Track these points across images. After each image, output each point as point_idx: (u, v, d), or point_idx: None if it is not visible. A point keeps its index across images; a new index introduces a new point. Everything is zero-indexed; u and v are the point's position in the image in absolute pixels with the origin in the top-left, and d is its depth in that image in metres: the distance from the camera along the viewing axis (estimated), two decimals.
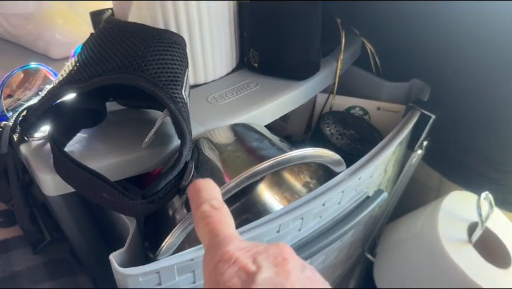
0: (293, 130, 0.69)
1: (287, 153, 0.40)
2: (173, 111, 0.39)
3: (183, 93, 0.41)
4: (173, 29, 0.49)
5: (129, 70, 0.39)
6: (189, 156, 0.39)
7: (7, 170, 0.44)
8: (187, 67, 0.44)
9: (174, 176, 0.38)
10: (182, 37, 0.44)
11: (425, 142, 0.57)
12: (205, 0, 0.48)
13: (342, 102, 0.63)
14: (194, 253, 0.39)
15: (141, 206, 0.37)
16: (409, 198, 0.68)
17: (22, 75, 0.48)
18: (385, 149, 0.50)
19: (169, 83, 0.40)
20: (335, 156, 0.45)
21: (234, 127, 0.48)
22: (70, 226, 0.50)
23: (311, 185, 0.53)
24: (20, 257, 0.46)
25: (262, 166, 0.39)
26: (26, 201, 0.45)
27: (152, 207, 0.37)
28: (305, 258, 0.46)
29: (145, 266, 0.38)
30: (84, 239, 0.52)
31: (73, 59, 0.44)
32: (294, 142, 0.67)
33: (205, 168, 0.43)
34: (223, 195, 0.38)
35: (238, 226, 0.49)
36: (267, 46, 0.53)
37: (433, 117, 0.54)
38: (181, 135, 0.39)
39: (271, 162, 0.39)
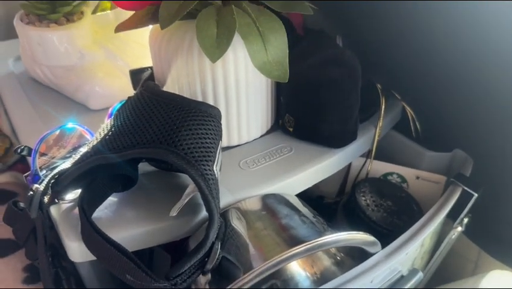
0: (326, 190, 0.67)
1: (319, 239, 0.39)
2: (203, 190, 0.38)
3: (214, 169, 0.41)
4: (210, 94, 0.49)
5: (163, 145, 0.39)
6: (215, 237, 0.38)
7: (35, 228, 0.44)
8: (221, 139, 0.44)
9: (199, 258, 0.37)
10: (218, 109, 0.43)
11: (466, 219, 0.54)
12: (243, 67, 0.48)
13: (379, 167, 0.60)
14: None
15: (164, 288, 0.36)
16: (445, 268, 0.64)
17: (58, 132, 0.49)
18: (425, 228, 0.48)
19: (201, 159, 0.39)
20: (370, 239, 0.43)
21: (265, 200, 0.47)
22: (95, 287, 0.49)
23: (338, 258, 0.51)
24: None
25: (291, 252, 0.38)
26: (52, 263, 0.45)
27: None
28: None
29: None
30: None
31: (108, 122, 0.44)
32: (326, 204, 0.65)
33: (231, 243, 0.42)
34: (247, 282, 0.37)
35: None
36: (304, 113, 0.52)
37: (475, 195, 0.52)
38: (209, 215, 0.38)
39: (302, 248, 0.38)
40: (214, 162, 0.41)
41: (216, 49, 0.38)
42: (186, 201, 0.41)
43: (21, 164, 0.69)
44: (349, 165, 0.63)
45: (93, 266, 0.48)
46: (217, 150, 0.42)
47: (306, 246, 0.38)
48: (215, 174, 0.40)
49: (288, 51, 0.41)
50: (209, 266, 0.37)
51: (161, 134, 0.40)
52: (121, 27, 0.46)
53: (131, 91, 0.62)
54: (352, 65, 0.48)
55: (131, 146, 0.40)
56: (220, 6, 0.41)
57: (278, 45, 0.40)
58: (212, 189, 0.39)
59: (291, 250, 0.38)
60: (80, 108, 0.62)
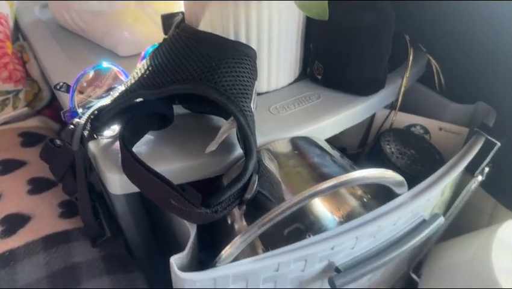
0: (347, 142, 0.68)
1: (349, 174, 0.40)
2: (242, 125, 0.39)
3: (251, 106, 0.42)
4: (243, 38, 0.50)
5: (203, 81, 0.40)
6: (253, 169, 0.40)
7: (74, 164, 0.46)
8: (256, 79, 0.45)
9: (238, 188, 0.39)
10: (254, 49, 0.44)
11: (486, 169, 0.55)
12: (277, 12, 0.49)
13: (403, 119, 0.62)
14: (251, 265, 0.40)
15: (206, 215, 0.37)
16: (460, 220, 0.66)
17: (93, 73, 0.50)
18: (448, 174, 0.49)
19: (240, 96, 0.40)
20: (398, 178, 0.44)
21: (295, 141, 0.48)
22: (128, 222, 0.51)
23: (365, 199, 0.52)
24: (80, 249, 0.48)
25: (324, 186, 0.39)
26: (90, 196, 0.47)
27: (215, 216, 0.38)
28: (357, 278, 0.45)
29: (205, 272, 0.38)
30: (140, 236, 0.53)
31: (144, 62, 0.45)
32: (348, 155, 0.66)
33: (265, 180, 0.44)
34: (284, 212, 0.39)
35: (288, 235, 0.50)
36: (333, 60, 0.53)
37: (498, 144, 0.53)
38: (247, 148, 0.40)
39: (334, 182, 0.39)
40: (251, 99, 0.42)
41: None
42: (224, 137, 0.42)
43: (48, 109, 0.71)
44: (372, 117, 0.64)
45: (128, 201, 0.50)
46: (253, 88, 0.43)
47: (339, 180, 0.39)
48: (252, 111, 0.42)
49: None
50: (247, 196, 0.39)
51: (201, 71, 0.41)
52: None
53: (159, 38, 0.62)
54: (387, 12, 0.48)
55: (171, 83, 0.41)
56: None
57: None
58: (251, 125, 0.40)
59: (324, 183, 0.39)
60: (109, 55, 0.63)
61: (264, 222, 0.39)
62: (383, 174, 0.42)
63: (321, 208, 0.55)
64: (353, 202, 0.52)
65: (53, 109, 0.71)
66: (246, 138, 0.40)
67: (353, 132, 0.69)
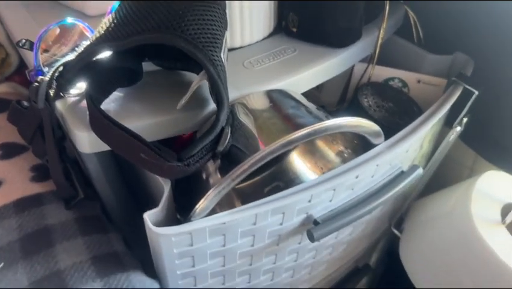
0: (327, 100, 0.67)
1: (324, 122, 0.39)
2: (212, 75, 0.38)
3: (221, 56, 0.40)
4: None
5: (169, 30, 0.38)
6: (225, 121, 0.39)
7: (42, 125, 0.44)
8: (226, 29, 0.43)
9: (210, 140, 0.38)
10: None
11: (465, 119, 0.55)
12: None
13: (380, 73, 0.61)
14: (227, 217, 0.40)
15: (178, 168, 0.37)
16: (441, 175, 0.66)
17: (58, 31, 0.48)
18: (426, 123, 0.49)
19: (208, 45, 0.39)
20: (374, 127, 0.44)
21: (270, 94, 0.47)
22: (102, 183, 0.50)
23: (345, 155, 0.52)
24: (53, 212, 0.47)
25: (298, 134, 0.38)
26: (60, 157, 0.45)
27: (187, 170, 0.37)
28: (335, 230, 0.45)
29: (179, 226, 0.38)
30: (115, 196, 0.52)
31: (110, 16, 0.43)
32: (328, 112, 0.65)
33: (239, 134, 0.43)
34: (257, 162, 0.38)
35: (268, 193, 0.49)
36: (308, 10, 0.51)
37: (476, 93, 0.52)
38: (219, 99, 0.39)
39: (308, 130, 0.38)
40: (221, 49, 0.40)
41: None
42: (194, 88, 0.41)
43: (18, 75, 0.68)
44: (351, 73, 0.63)
45: (100, 161, 0.49)
46: (223, 38, 0.42)
47: (313, 128, 0.38)
48: (222, 61, 0.40)
49: None
50: (220, 148, 0.38)
51: (167, 20, 0.39)
52: None
53: None
54: None
55: (136, 34, 0.39)
56: None
57: None
58: (221, 76, 0.39)
59: (298, 131, 0.38)
60: (77, 15, 0.60)
61: (238, 173, 0.38)
62: (359, 123, 0.42)
63: (300, 165, 0.55)
64: (334, 158, 0.52)
65: (22, 75, 0.69)
66: (216, 88, 0.38)
67: (332, 90, 0.68)
